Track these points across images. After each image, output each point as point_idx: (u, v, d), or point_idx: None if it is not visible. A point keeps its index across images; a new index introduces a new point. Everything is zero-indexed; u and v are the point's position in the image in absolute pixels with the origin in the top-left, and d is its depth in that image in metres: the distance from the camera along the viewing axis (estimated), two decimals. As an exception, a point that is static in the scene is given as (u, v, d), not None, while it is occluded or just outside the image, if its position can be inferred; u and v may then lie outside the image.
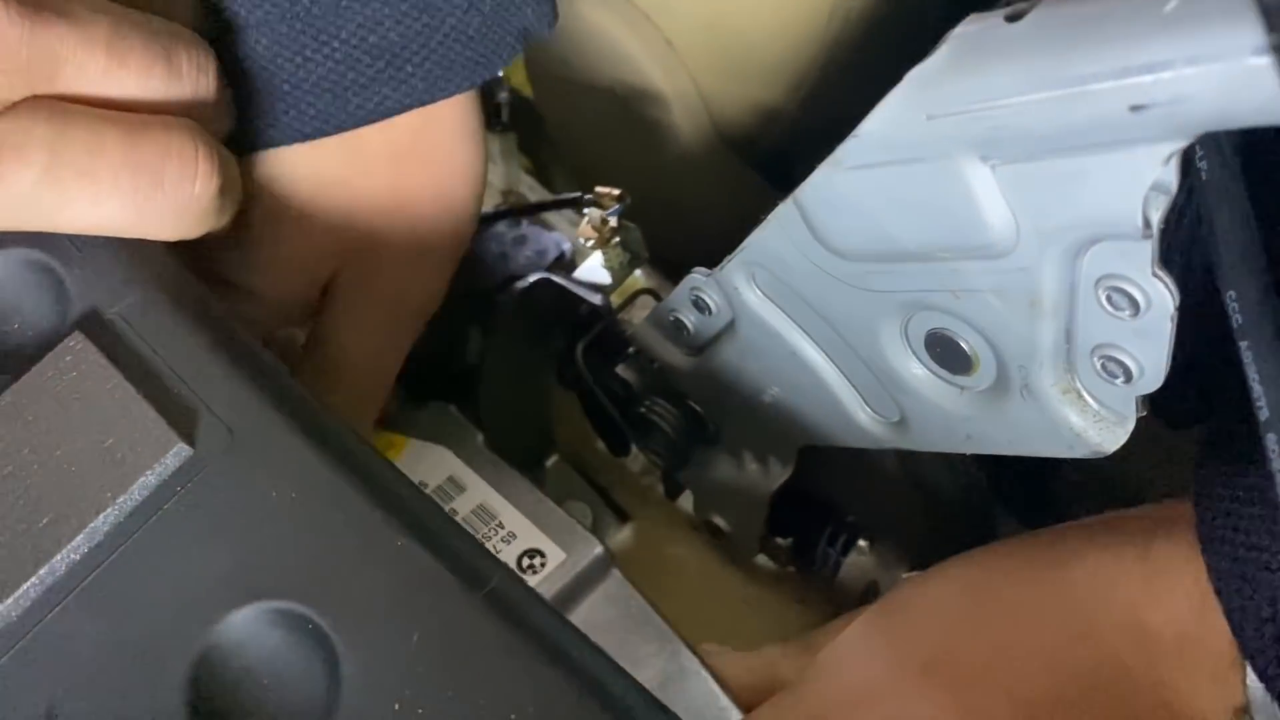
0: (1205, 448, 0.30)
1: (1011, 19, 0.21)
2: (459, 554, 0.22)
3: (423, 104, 0.31)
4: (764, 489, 0.38)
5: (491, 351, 0.45)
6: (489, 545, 0.38)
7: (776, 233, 0.29)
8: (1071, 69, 0.19)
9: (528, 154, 0.79)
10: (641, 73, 0.52)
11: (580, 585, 0.38)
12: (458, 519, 0.39)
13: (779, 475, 0.38)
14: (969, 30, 0.22)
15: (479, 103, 0.35)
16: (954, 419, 0.29)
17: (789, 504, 0.39)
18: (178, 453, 0.22)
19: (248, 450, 0.23)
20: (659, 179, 0.57)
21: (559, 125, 0.63)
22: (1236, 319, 0.24)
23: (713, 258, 0.55)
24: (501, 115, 0.57)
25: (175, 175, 0.25)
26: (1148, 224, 0.21)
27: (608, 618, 0.38)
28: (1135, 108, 0.19)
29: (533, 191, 0.59)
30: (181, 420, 0.23)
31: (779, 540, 0.41)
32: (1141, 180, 0.20)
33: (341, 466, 0.22)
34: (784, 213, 0.28)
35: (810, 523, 0.40)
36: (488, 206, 0.58)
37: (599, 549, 0.38)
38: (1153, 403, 0.26)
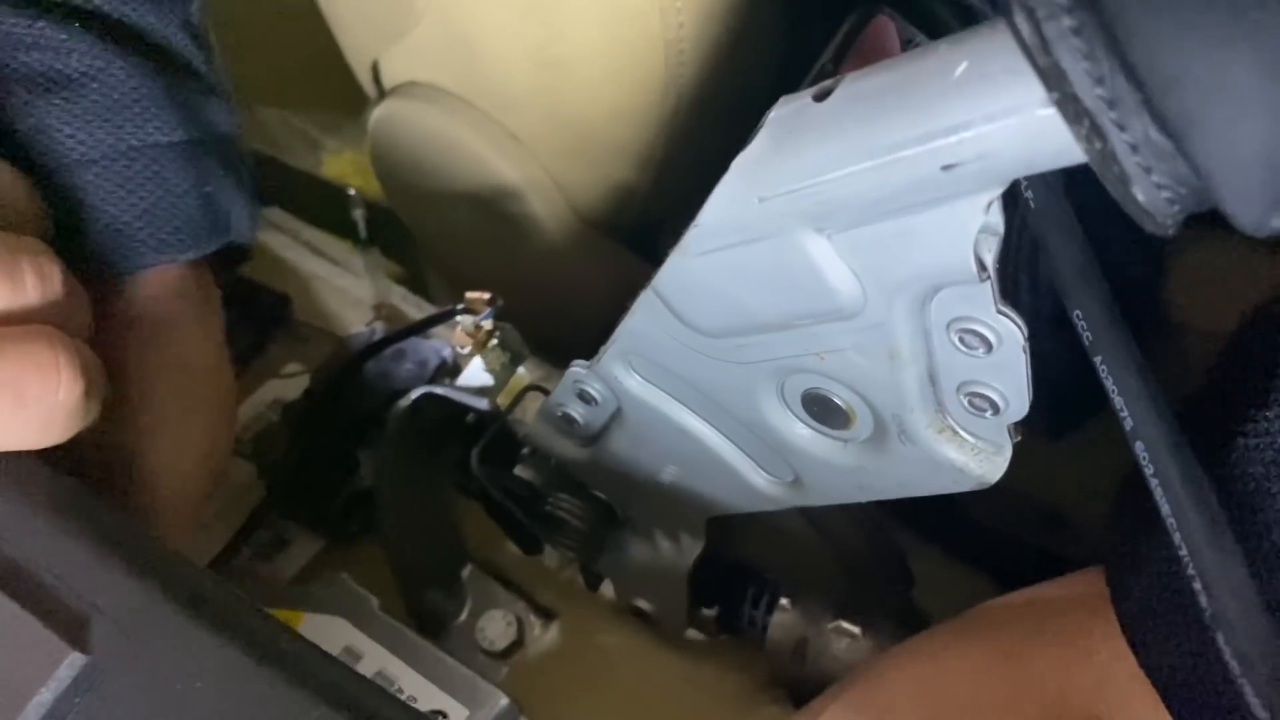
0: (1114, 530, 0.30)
1: (819, 98, 0.22)
2: (380, 715, 0.21)
3: (145, 267, 0.33)
4: (680, 565, 0.38)
5: (385, 473, 0.45)
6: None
7: (643, 321, 0.30)
8: (882, 139, 0.20)
9: (397, 258, 0.79)
10: (492, 170, 0.53)
11: None
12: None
13: (692, 549, 0.38)
14: (783, 112, 0.23)
15: (202, 278, 0.36)
16: (843, 472, 0.30)
17: (708, 574, 0.39)
18: (72, 662, 0.22)
19: (146, 646, 0.22)
20: (528, 268, 0.57)
21: (420, 230, 0.63)
22: (1086, 336, 0.25)
23: (595, 336, 0.55)
24: (360, 231, 0.57)
25: (37, 389, 0.24)
26: (983, 266, 0.22)
27: None
28: (946, 167, 0.20)
29: (405, 301, 0.59)
30: (71, 627, 0.22)
31: (705, 611, 0.41)
32: (967, 230, 0.21)
33: (246, 647, 0.22)
34: (647, 301, 0.29)
35: (731, 589, 0.40)
36: (360, 325, 0.58)
37: (504, 701, 0.38)
38: (1027, 417, 0.27)
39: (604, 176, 0.51)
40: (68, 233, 0.31)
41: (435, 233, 0.61)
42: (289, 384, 0.53)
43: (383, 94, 0.57)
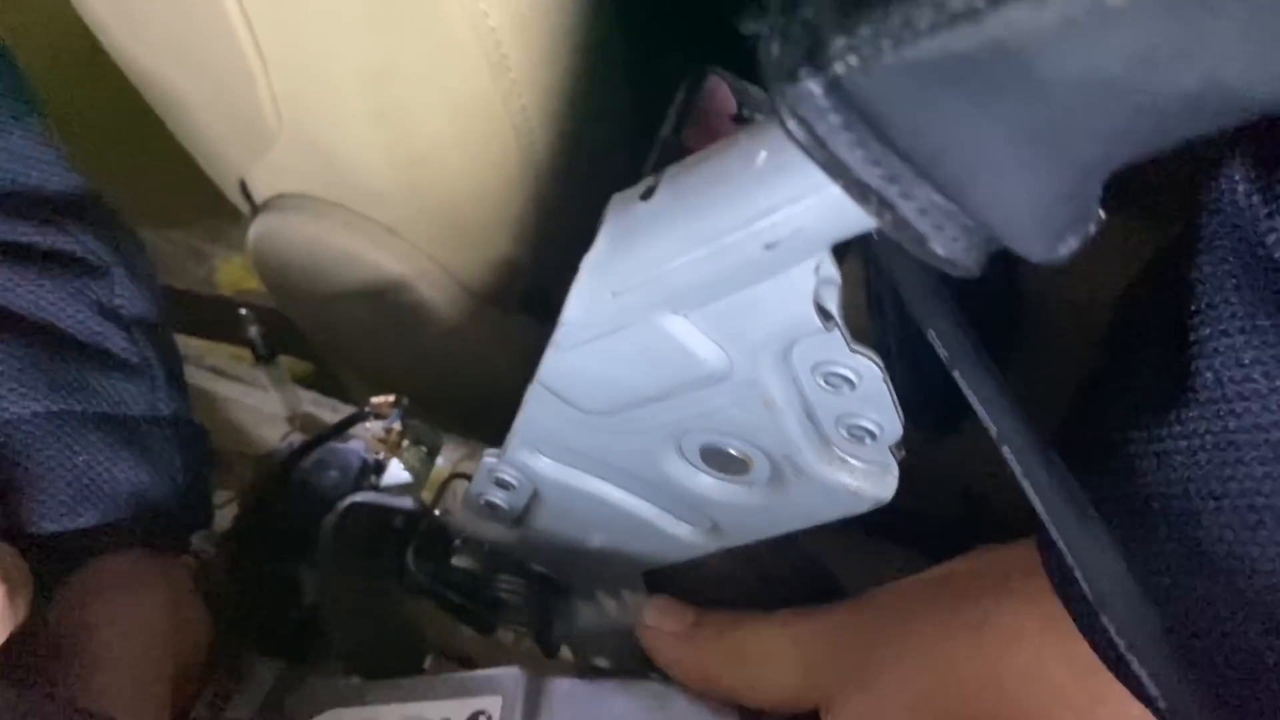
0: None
1: (645, 196, 0.23)
2: None
3: (40, 533, 0.35)
4: (628, 620, 0.40)
5: (327, 588, 0.45)
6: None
7: (537, 411, 0.31)
8: (706, 229, 0.22)
9: (303, 354, 0.79)
10: (376, 266, 0.53)
11: (533, 710, 0.37)
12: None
13: (637, 603, 0.39)
14: (616, 212, 0.24)
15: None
16: (753, 512, 0.31)
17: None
18: None
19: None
20: (431, 351, 0.58)
21: (318, 331, 0.64)
22: (943, 353, 0.27)
23: (507, 403, 0.56)
24: (259, 349, 0.57)
25: None
26: (827, 316, 0.24)
27: (578, 712, 0.37)
28: (768, 246, 0.21)
29: (317, 406, 0.59)
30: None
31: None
32: (803, 291, 0.23)
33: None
34: (536, 394, 0.30)
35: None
36: (277, 439, 0.58)
37: (523, 673, 0.37)
38: (917, 419, 0.29)
39: (485, 254, 0.52)
40: None
41: (333, 333, 0.62)
42: (219, 514, 0.53)
43: (255, 209, 0.58)
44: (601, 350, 0.26)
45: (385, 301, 0.55)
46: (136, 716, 0.35)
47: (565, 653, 0.45)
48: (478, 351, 0.57)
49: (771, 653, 0.36)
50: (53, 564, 0.35)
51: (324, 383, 0.79)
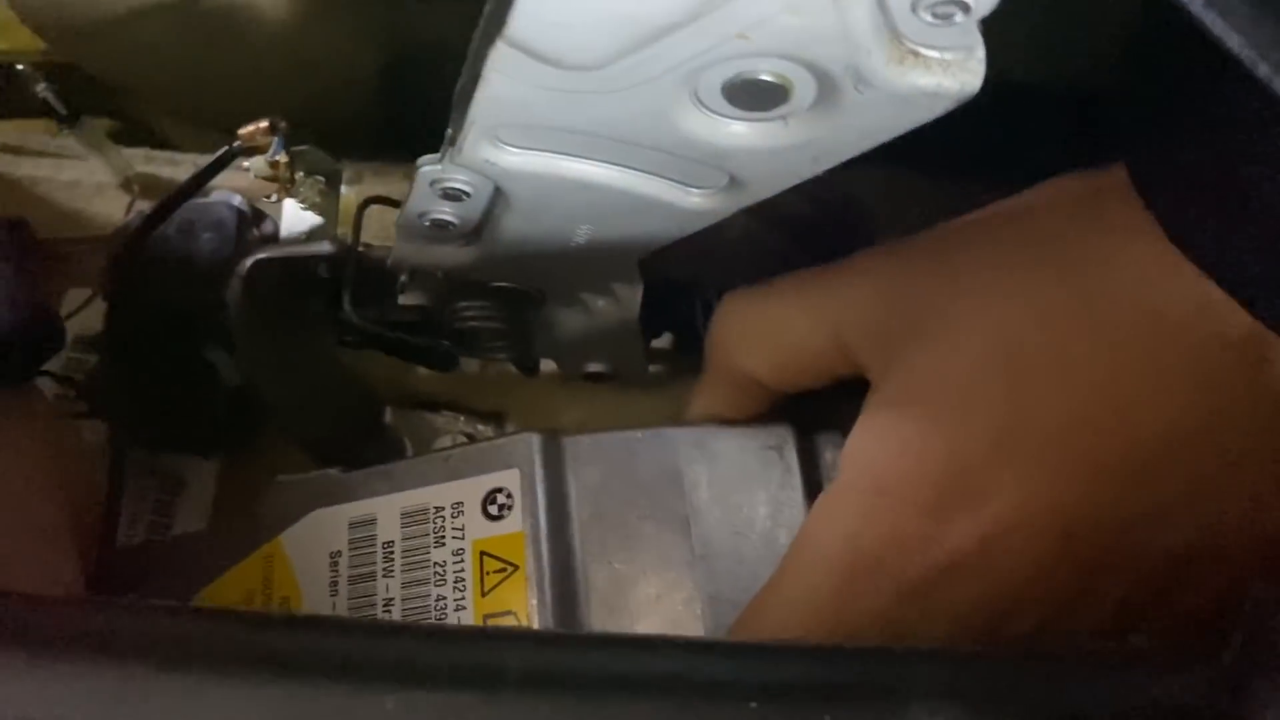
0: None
1: None
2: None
3: None
4: (625, 315, 0.34)
5: (249, 366, 0.38)
6: (441, 538, 0.33)
7: (504, 85, 0.23)
8: None
9: (110, 110, 0.67)
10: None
11: (557, 477, 0.33)
12: (391, 546, 0.33)
13: (632, 296, 0.34)
14: None
15: None
16: (790, 151, 0.25)
17: (648, 308, 0.35)
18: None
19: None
20: (269, 63, 0.48)
21: (121, 77, 0.52)
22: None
23: (379, 106, 0.46)
24: (55, 110, 0.46)
25: None
26: None
27: (606, 471, 0.33)
28: None
29: (153, 163, 0.49)
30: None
31: (657, 344, 0.37)
32: None
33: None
34: (501, 60, 0.22)
35: (676, 312, 0.36)
36: (118, 211, 0.48)
37: (536, 437, 0.33)
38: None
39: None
40: None
41: (140, 73, 0.50)
42: (85, 315, 0.44)
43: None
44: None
45: (196, 12, 0.44)
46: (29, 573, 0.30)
47: (546, 366, 0.40)
48: (328, 47, 0.47)
49: (805, 321, 0.31)
50: None
51: (135, 136, 0.67)
